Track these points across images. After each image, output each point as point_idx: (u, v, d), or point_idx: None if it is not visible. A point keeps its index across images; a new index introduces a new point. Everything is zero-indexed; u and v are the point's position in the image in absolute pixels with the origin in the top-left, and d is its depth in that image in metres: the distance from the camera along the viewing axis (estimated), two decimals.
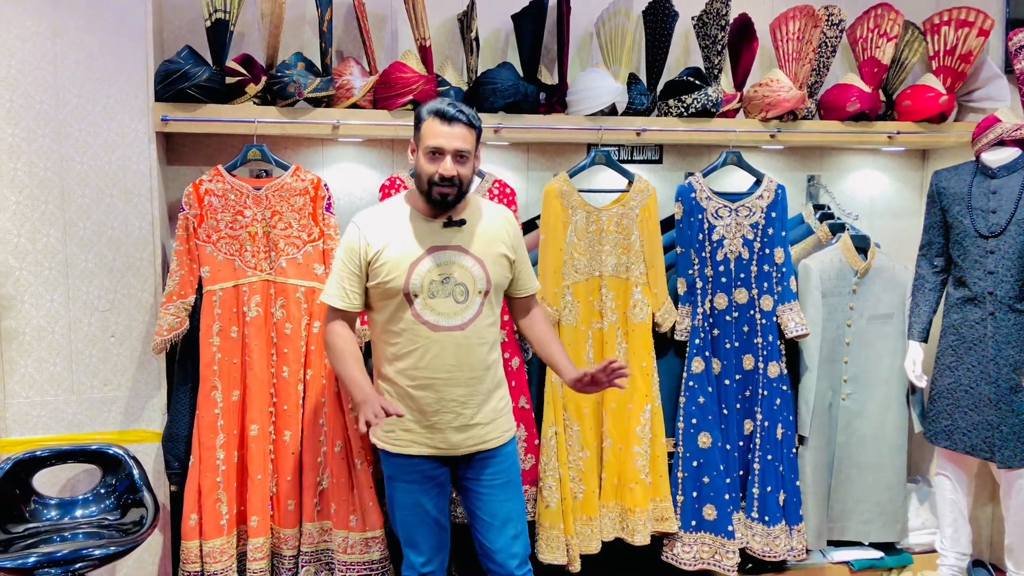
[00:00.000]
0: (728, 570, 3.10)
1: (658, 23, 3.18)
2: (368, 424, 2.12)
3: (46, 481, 2.77)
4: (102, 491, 2.78)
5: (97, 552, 2.43)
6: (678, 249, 3.19)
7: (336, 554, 2.84)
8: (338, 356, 2.36)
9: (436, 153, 2.27)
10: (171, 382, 2.89)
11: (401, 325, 2.34)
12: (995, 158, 3.04)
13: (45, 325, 2.76)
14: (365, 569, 2.83)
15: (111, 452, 2.75)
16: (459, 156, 2.28)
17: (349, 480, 2.84)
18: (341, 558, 2.83)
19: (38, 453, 2.71)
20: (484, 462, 2.42)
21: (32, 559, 2.37)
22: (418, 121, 2.32)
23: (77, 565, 2.40)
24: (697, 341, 3.15)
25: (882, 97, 3.44)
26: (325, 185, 2.88)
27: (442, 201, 2.30)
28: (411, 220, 2.36)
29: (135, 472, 2.72)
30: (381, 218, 2.39)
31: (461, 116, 2.26)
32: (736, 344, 3.19)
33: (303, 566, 2.86)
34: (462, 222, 2.35)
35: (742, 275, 3.18)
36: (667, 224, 3.29)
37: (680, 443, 3.16)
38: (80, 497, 2.78)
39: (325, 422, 2.85)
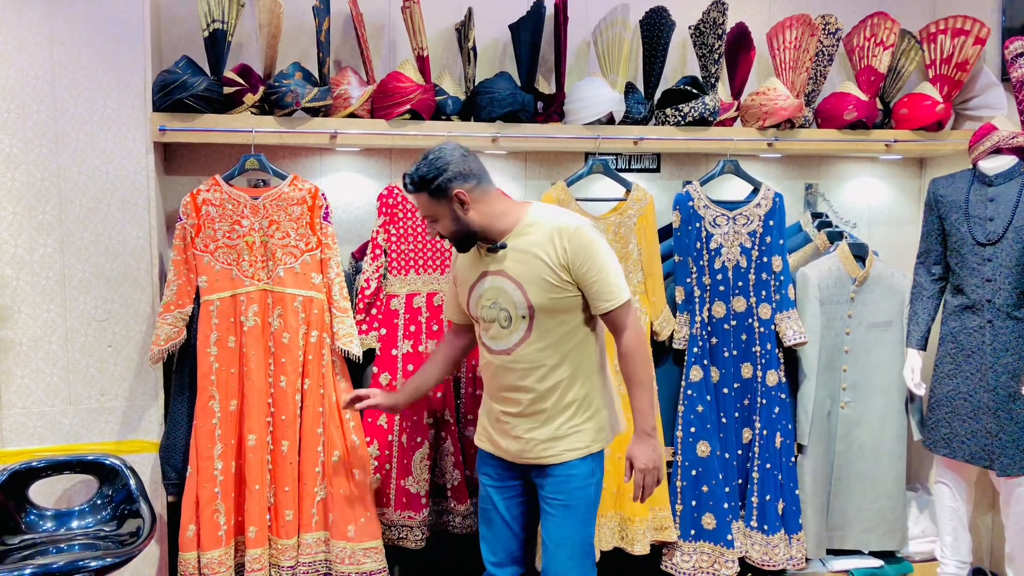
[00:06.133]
0: None
1: (655, 32, 3.19)
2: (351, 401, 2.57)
3: (42, 492, 2.76)
4: (98, 502, 2.77)
5: (93, 564, 2.41)
6: (676, 257, 3.19)
7: (335, 564, 2.82)
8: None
9: None
10: (168, 392, 2.88)
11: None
12: (992, 166, 3.04)
13: (42, 335, 2.75)
14: None
15: (108, 463, 2.74)
16: (428, 218, 2.31)
17: (348, 490, 2.83)
18: (339, 568, 2.82)
19: (34, 464, 2.70)
20: (543, 479, 2.37)
21: (28, 571, 2.35)
22: None
23: None
24: (695, 350, 3.14)
25: (879, 105, 3.45)
26: (323, 195, 2.88)
27: (457, 248, 2.35)
28: (476, 247, 2.38)
29: (132, 483, 2.71)
30: None
31: (407, 186, 2.27)
32: (734, 352, 3.19)
33: None
34: (502, 246, 2.29)
35: (740, 283, 3.18)
36: (665, 233, 3.29)
37: (679, 452, 3.16)
38: (76, 508, 2.77)
39: (323, 432, 2.84)
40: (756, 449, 3.19)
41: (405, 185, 2.28)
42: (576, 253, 2.23)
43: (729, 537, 3.10)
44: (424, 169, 2.23)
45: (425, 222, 2.36)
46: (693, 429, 3.13)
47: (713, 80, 3.25)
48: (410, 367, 2.98)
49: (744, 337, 3.19)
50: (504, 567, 2.44)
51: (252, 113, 2.88)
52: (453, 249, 2.44)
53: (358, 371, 3.02)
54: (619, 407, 2.47)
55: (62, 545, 2.65)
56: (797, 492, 3.23)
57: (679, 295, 3.17)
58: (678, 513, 3.13)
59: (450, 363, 2.65)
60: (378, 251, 2.98)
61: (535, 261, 2.25)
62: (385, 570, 2.86)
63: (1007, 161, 3.02)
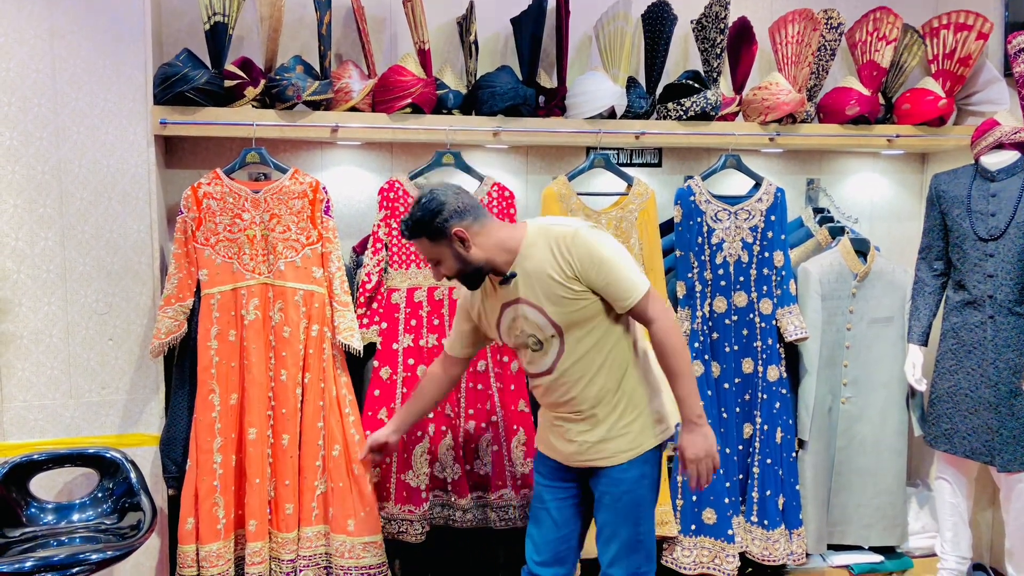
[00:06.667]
0: (728, 574, 3.08)
1: (657, 26, 3.18)
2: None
3: (43, 485, 2.76)
4: (99, 495, 2.77)
5: (94, 556, 2.41)
6: (677, 252, 3.18)
7: (334, 558, 2.83)
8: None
9: None
10: (169, 386, 2.88)
11: None
12: (994, 161, 3.04)
13: (43, 328, 2.75)
14: (362, 573, 2.82)
15: (108, 456, 2.74)
16: (431, 262, 2.30)
17: (348, 484, 2.83)
18: (339, 562, 2.82)
19: (35, 457, 2.70)
20: (597, 479, 2.37)
21: (29, 564, 2.35)
22: None
23: (74, 570, 2.38)
24: (696, 344, 3.14)
25: (881, 100, 3.44)
26: (324, 188, 2.87)
27: (467, 287, 2.34)
28: (489, 281, 2.36)
29: (132, 476, 2.72)
30: None
31: (405, 232, 2.25)
32: (735, 348, 3.18)
33: (302, 570, 2.85)
34: (512, 276, 2.27)
35: (741, 278, 3.18)
36: (666, 227, 3.29)
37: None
38: (77, 501, 2.77)
39: (323, 425, 2.85)
40: (757, 444, 3.19)
41: (403, 232, 2.26)
42: (582, 261, 2.19)
43: (730, 532, 3.10)
44: (419, 213, 2.21)
45: (429, 266, 2.33)
46: None
47: (715, 74, 3.25)
48: (411, 361, 2.98)
49: (745, 332, 3.19)
50: (547, 567, 2.43)
51: (253, 106, 2.88)
52: (461, 288, 2.43)
53: (359, 365, 3.02)
54: (669, 393, 2.42)
55: (63, 538, 2.65)
56: (798, 487, 3.23)
57: (680, 290, 3.17)
58: (678, 508, 3.13)
59: (441, 396, 2.65)
60: (379, 245, 2.98)
61: (546, 280, 2.22)
62: (385, 564, 2.86)
63: (1010, 156, 3.02)
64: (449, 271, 2.27)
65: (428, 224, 2.21)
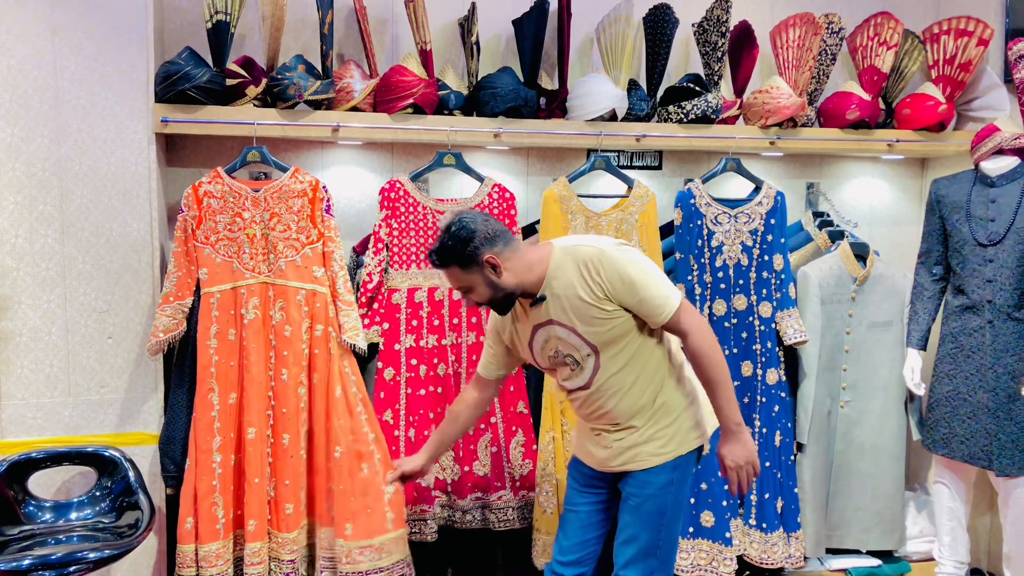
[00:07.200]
0: None
1: (658, 29, 3.19)
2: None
3: (41, 483, 2.75)
4: (97, 494, 2.77)
5: (92, 555, 2.41)
6: (677, 255, 3.19)
7: (336, 562, 2.80)
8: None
9: None
10: (168, 385, 2.88)
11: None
12: (994, 167, 3.04)
13: (42, 326, 2.75)
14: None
15: (107, 454, 2.74)
16: (462, 290, 2.27)
17: (354, 485, 2.80)
18: (339, 568, 2.78)
19: (33, 455, 2.69)
20: (626, 480, 2.37)
21: (27, 562, 2.35)
22: None
23: (71, 568, 2.38)
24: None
25: (882, 105, 3.45)
26: (324, 187, 2.87)
27: (498, 312, 2.31)
28: (519, 304, 2.34)
29: (131, 474, 2.71)
30: None
31: (436, 261, 2.22)
32: (735, 351, 3.18)
33: (322, 571, 2.83)
34: (542, 298, 2.25)
35: (741, 281, 3.18)
36: (666, 230, 3.29)
37: None
38: (75, 500, 2.76)
39: (330, 426, 2.82)
40: (755, 447, 3.19)
41: (433, 262, 2.22)
42: (611, 281, 2.18)
43: (728, 535, 3.10)
44: (450, 241, 2.18)
45: (460, 292, 2.30)
46: None
47: (716, 78, 3.25)
48: (413, 361, 2.98)
49: (744, 335, 3.19)
50: (570, 567, 2.43)
51: (254, 105, 2.88)
52: (490, 312, 2.42)
53: (361, 365, 3.01)
54: (705, 399, 2.41)
55: (61, 536, 2.64)
56: (796, 491, 3.23)
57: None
58: None
59: (474, 420, 2.59)
60: (380, 245, 2.98)
61: (577, 302, 2.20)
62: (404, 563, 2.82)
63: (1009, 162, 3.02)
64: (480, 298, 2.25)
65: (459, 252, 2.17)
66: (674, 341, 2.36)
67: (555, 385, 2.45)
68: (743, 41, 3.29)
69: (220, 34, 2.82)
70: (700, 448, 2.37)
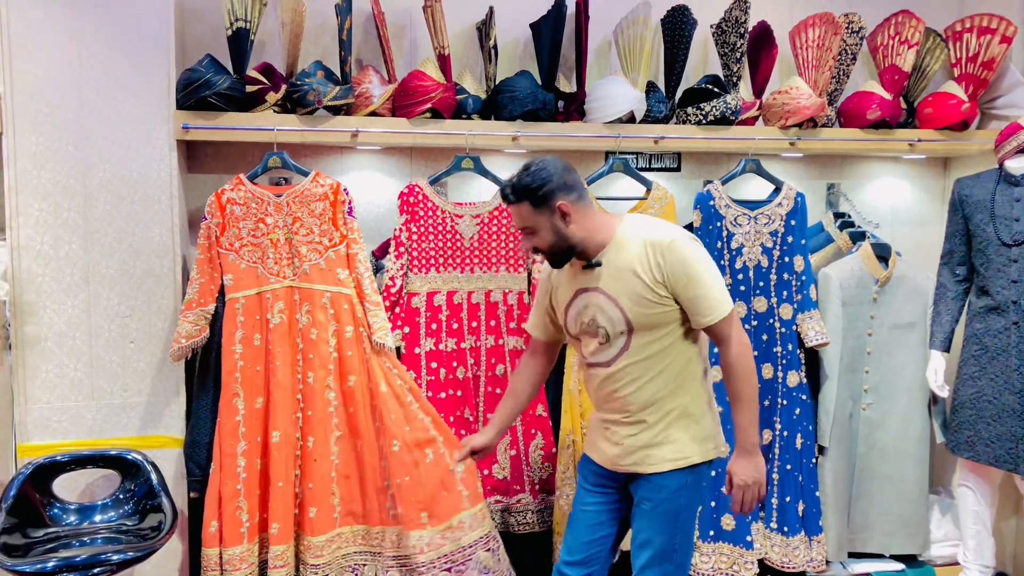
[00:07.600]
0: None
1: (676, 31, 3.18)
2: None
3: (66, 486, 2.79)
4: (121, 496, 2.80)
5: (115, 557, 2.44)
6: None
7: (412, 556, 2.79)
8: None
9: None
10: (192, 389, 2.90)
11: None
12: (1018, 165, 3.01)
13: (66, 331, 2.78)
14: (447, 561, 2.79)
15: (130, 458, 2.77)
16: (526, 231, 2.26)
17: (420, 473, 2.80)
18: (419, 559, 2.78)
19: (58, 458, 2.73)
20: (638, 484, 2.35)
21: (51, 564, 2.38)
22: None
23: (95, 570, 2.41)
24: (715, 349, 3.12)
25: (903, 105, 3.42)
26: (344, 190, 2.89)
27: (552, 263, 2.31)
28: (570, 264, 2.34)
29: (154, 477, 2.74)
30: None
31: (509, 195, 2.22)
32: (755, 353, 3.16)
33: (387, 571, 2.83)
34: (597, 263, 2.25)
35: (761, 283, 3.16)
36: None
37: None
38: (99, 502, 2.80)
39: (384, 422, 2.82)
40: (776, 450, 3.17)
41: (506, 196, 2.22)
42: (672, 268, 2.17)
43: (748, 538, 3.08)
44: (528, 179, 2.18)
45: (520, 236, 2.28)
46: None
47: (735, 79, 3.24)
48: (433, 364, 2.99)
49: (765, 337, 3.17)
50: (576, 567, 2.42)
51: (274, 111, 2.90)
52: (544, 264, 2.39)
53: None
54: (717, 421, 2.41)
55: (85, 538, 2.68)
56: (817, 494, 3.20)
57: None
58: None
59: (533, 388, 2.57)
60: (401, 248, 2.99)
61: (631, 277, 2.20)
62: (488, 537, 2.85)
63: None
64: (542, 243, 2.24)
65: (536, 191, 2.18)
66: (705, 351, 2.36)
67: (576, 359, 2.41)
68: (762, 42, 3.28)
69: (240, 41, 2.85)
70: (712, 461, 2.35)
